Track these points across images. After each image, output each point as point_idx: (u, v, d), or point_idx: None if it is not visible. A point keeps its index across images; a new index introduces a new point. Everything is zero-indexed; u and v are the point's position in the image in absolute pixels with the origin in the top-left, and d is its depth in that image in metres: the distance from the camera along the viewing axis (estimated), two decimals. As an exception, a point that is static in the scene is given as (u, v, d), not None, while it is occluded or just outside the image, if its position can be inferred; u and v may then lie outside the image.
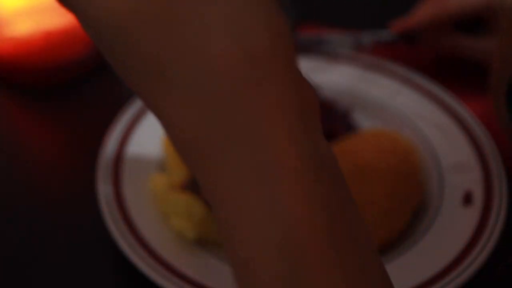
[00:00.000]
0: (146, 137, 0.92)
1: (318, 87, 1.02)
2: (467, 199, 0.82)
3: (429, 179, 0.87)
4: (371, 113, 1.00)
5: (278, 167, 0.38)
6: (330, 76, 1.04)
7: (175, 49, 0.39)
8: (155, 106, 0.42)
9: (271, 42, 0.40)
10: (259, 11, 0.41)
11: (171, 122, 0.41)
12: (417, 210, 0.84)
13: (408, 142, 0.93)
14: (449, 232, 0.79)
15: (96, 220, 0.82)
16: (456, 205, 0.82)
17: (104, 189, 0.82)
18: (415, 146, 0.92)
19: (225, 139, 0.39)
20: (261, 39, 0.40)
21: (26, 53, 1.04)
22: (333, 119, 0.98)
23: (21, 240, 0.82)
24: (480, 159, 0.86)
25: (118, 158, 0.88)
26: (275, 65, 0.40)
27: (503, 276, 0.78)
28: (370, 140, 0.94)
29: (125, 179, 0.85)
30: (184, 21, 0.39)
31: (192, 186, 0.83)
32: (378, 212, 0.81)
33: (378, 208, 0.82)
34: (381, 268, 0.41)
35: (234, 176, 0.39)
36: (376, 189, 0.85)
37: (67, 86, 1.09)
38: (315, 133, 0.41)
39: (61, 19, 1.02)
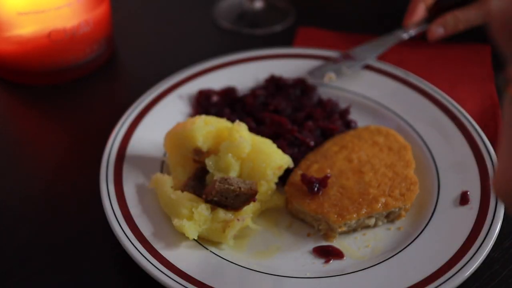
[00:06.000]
0: (148, 138, 0.93)
1: (317, 87, 1.04)
2: (464, 198, 0.83)
3: (426, 178, 0.88)
4: (368, 112, 1.01)
5: None
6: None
7: None
8: None
9: None
10: None
11: None
12: (414, 208, 0.85)
13: (402, 139, 0.94)
14: (446, 231, 0.79)
15: (99, 218, 0.83)
16: (453, 204, 0.83)
17: (107, 189, 0.83)
18: (410, 143, 0.93)
19: None
20: None
21: (29, 54, 1.05)
22: (331, 117, 0.99)
23: (26, 238, 0.83)
24: (477, 159, 0.87)
25: (121, 158, 0.89)
26: None
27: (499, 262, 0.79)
28: (366, 137, 0.96)
29: (128, 178, 0.86)
30: None
31: (193, 186, 0.84)
32: (375, 207, 0.83)
33: (375, 203, 0.83)
34: None
35: None
36: (372, 185, 0.87)
37: (70, 87, 1.09)
38: None
39: (64, 20, 1.02)
